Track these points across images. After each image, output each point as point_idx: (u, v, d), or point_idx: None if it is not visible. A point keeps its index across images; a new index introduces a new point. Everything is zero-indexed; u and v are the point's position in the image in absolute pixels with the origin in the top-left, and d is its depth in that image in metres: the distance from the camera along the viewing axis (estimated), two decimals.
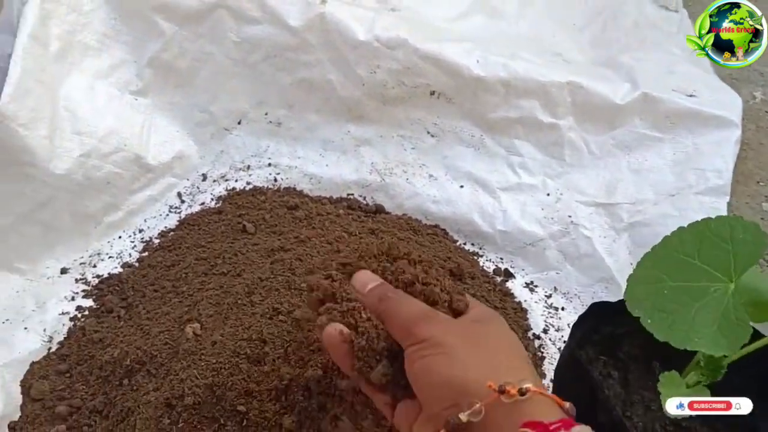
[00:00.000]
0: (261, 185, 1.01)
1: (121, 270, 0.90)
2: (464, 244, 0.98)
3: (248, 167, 1.03)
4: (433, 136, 1.02)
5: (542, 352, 0.86)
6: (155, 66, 0.99)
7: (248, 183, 1.01)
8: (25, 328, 0.82)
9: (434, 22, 1.10)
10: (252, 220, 0.93)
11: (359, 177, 1.01)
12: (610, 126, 0.99)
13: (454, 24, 1.12)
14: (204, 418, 0.67)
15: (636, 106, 0.97)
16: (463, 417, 0.44)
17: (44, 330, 0.82)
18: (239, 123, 1.04)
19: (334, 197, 1.00)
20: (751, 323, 0.56)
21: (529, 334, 0.88)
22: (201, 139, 1.03)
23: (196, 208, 0.98)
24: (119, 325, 0.82)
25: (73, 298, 0.86)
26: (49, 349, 0.81)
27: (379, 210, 0.99)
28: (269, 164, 1.03)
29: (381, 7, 1.07)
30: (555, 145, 0.99)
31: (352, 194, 1.01)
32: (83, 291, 0.87)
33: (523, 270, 0.95)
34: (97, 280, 0.89)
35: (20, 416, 0.74)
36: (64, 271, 0.89)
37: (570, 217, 0.95)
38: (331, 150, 1.03)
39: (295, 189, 1.01)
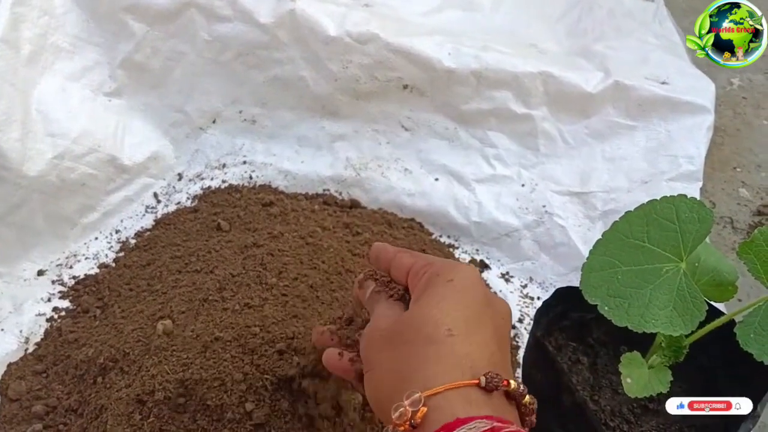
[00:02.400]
0: (236, 183, 1.01)
1: (97, 270, 0.91)
2: (440, 236, 0.98)
3: (223, 165, 1.03)
4: (407, 129, 1.02)
5: (517, 342, 0.86)
6: (128, 67, 1.00)
7: (224, 181, 1.01)
8: (2, 330, 0.82)
9: (408, 17, 1.10)
10: (227, 218, 0.93)
11: (334, 172, 1.01)
12: (584, 115, 0.99)
13: (428, 18, 1.12)
14: (175, 412, 0.67)
15: (608, 94, 0.98)
16: None
17: (20, 331, 0.82)
18: (214, 122, 1.04)
19: (310, 193, 1.01)
20: (710, 302, 0.56)
21: None
22: (176, 139, 1.03)
23: (172, 208, 0.98)
24: (95, 324, 0.83)
25: (49, 300, 0.87)
26: (26, 350, 0.81)
27: (354, 205, 0.99)
28: (244, 162, 1.03)
29: (354, 3, 1.07)
30: (529, 135, 1.00)
31: (328, 190, 1.01)
32: (60, 292, 0.88)
33: (498, 261, 0.96)
34: (73, 281, 0.89)
35: None
36: (40, 272, 0.89)
37: (544, 206, 0.95)
38: (306, 146, 1.04)
39: (270, 186, 1.01)
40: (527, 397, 0.44)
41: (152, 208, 0.99)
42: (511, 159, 1.00)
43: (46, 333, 0.83)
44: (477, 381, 0.41)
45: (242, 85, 1.02)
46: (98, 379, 0.74)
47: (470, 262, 0.95)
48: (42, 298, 0.87)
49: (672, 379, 0.57)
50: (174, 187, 1.01)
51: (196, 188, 1.01)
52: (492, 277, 0.93)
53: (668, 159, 0.93)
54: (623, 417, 0.64)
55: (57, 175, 0.89)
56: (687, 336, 0.57)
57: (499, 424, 0.38)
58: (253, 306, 0.74)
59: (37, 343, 0.82)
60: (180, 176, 1.02)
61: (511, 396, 0.43)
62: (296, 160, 1.03)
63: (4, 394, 0.77)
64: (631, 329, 0.53)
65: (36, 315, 0.84)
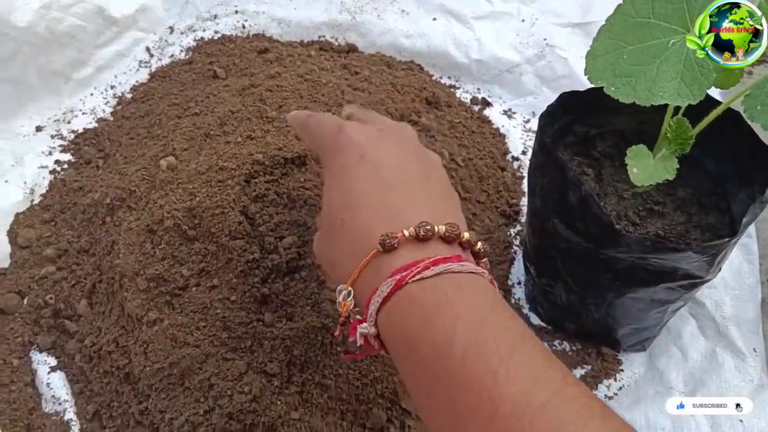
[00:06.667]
0: (230, 33, 0.99)
1: (96, 125, 0.90)
2: (440, 77, 0.96)
3: (215, 16, 1.00)
4: None
5: (521, 172, 0.86)
6: None
7: (216, 32, 0.99)
8: (6, 182, 0.82)
9: None
10: (222, 66, 0.91)
11: (329, 18, 0.98)
12: None
13: None
14: (184, 239, 0.67)
15: None
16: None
17: (25, 182, 0.83)
18: None
19: (305, 41, 0.98)
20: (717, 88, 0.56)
21: (508, 156, 0.88)
22: None
23: (166, 61, 0.96)
24: (98, 173, 0.83)
25: (50, 153, 0.86)
26: (32, 201, 0.81)
27: (351, 49, 0.97)
28: (236, 11, 1.00)
29: None
30: None
31: (324, 36, 0.98)
32: (60, 146, 0.87)
33: (500, 98, 0.94)
34: (73, 135, 0.89)
35: (10, 263, 0.76)
36: (38, 128, 0.88)
37: (545, 40, 0.93)
38: None
39: (264, 35, 0.99)
40: (465, 235, 0.44)
41: (146, 62, 0.96)
42: None
43: (51, 184, 0.83)
44: (375, 250, 0.42)
45: None
46: (107, 219, 0.75)
47: (472, 100, 0.93)
48: (43, 152, 0.86)
49: (678, 167, 0.57)
50: (166, 40, 0.98)
51: (188, 40, 0.98)
52: (494, 114, 0.92)
53: None
54: (629, 219, 0.65)
55: (45, 26, 0.86)
56: (693, 126, 0.57)
57: (404, 273, 0.40)
58: (255, 137, 0.73)
59: (42, 195, 0.82)
60: (171, 29, 0.99)
61: (447, 239, 0.43)
62: (289, 7, 1.00)
63: (14, 243, 0.78)
64: (639, 105, 0.52)
65: (39, 167, 0.84)
